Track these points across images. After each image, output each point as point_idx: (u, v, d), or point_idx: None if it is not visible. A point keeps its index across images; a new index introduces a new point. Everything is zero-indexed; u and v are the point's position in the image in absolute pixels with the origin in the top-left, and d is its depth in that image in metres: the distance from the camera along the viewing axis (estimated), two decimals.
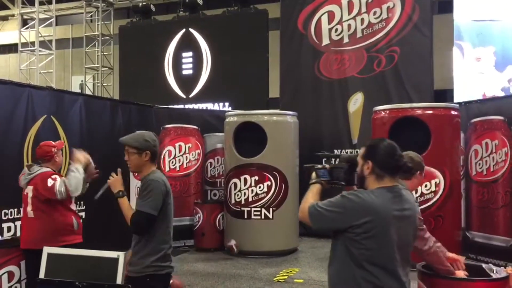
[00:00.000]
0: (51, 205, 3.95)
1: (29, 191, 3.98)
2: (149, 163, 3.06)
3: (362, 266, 2.24)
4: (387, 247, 2.23)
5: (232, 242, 7.29)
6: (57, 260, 2.25)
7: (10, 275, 4.04)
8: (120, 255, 2.19)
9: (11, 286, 4.03)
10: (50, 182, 3.91)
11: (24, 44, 14.65)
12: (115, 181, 3.19)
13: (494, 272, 2.97)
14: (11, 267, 4.04)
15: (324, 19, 9.25)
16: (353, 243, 2.25)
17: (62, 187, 3.87)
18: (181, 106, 10.70)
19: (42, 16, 14.31)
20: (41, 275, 2.21)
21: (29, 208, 3.96)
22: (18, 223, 5.30)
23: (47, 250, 2.28)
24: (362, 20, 8.95)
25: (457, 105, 6.98)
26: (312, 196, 2.51)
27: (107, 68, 16.12)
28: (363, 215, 2.23)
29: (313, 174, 2.59)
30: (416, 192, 6.26)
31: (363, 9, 8.95)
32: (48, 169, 4.07)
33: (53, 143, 4.26)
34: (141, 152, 3.02)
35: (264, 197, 7.37)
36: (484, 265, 3.11)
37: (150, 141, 3.06)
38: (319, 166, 2.64)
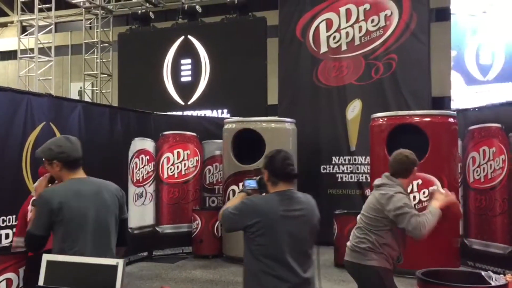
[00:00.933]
0: None
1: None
2: (65, 172, 2.79)
3: (259, 260, 2.61)
4: (276, 242, 2.58)
5: None
6: (56, 268, 2.25)
7: (9, 282, 4.02)
8: (119, 263, 2.19)
9: None
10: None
11: (23, 51, 14.67)
12: (38, 186, 3.08)
13: (493, 279, 2.98)
14: (10, 274, 4.02)
15: (322, 26, 9.30)
16: (250, 240, 2.63)
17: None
18: (180, 113, 10.71)
19: (41, 23, 14.34)
20: (40, 282, 2.21)
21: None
22: None
23: (46, 257, 2.28)
24: (360, 27, 9.00)
25: (455, 112, 7.02)
26: (231, 202, 2.85)
27: (106, 75, 16.15)
28: (254, 216, 2.60)
29: (244, 183, 2.98)
30: (414, 199, 6.28)
31: (361, 17, 9.00)
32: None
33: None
34: (50, 162, 2.82)
35: None
36: (483, 273, 3.12)
37: (54, 149, 2.80)
38: (252, 177, 3.08)
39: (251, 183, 2.91)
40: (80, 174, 2.83)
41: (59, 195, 2.67)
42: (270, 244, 2.58)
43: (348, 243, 3.55)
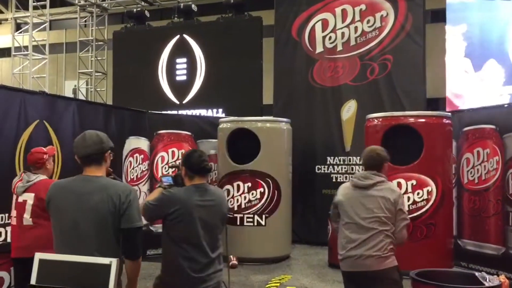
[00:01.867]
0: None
1: (27, 198, 3.86)
2: (83, 167, 2.80)
3: (178, 245, 3.00)
4: (192, 227, 2.98)
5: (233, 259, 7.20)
6: (49, 266, 2.23)
7: (0, 281, 4.00)
8: (113, 261, 2.17)
9: None
10: None
11: (17, 49, 14.58)
12: None
13: (487, 280, 2.99)
14: (1, 273, 4.01)
15: (318, 27, 9.30)
16: (171, 227, 3.02)
17: None
18: (175, 112, 10.68)
19: (35, 20, 14.26)
20: (33, 281, 2.19)
21: (26, 216, 3.84)
22: (9, 229, 5.26)
23: (38, 256, 2.26)
24: (356, 28, 9.01)
25: (449, 113, 7.04)
26: (150, 197, 3.23)
27: (100, 73, 16.09)
28: (173, 205, 3.01)
29: (161, 179, 3.42)
30: (409, 200, 6.29)
31: (357, 18, 9.01)
32: (45, 177, 3.99)
33: (44, 149, 4.17)
34: None
35: (257, 204, 7.37)
36: (477, 274, 3.13)
37: (74, 143, 2.80)
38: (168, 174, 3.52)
39: (168, 180, 3.35)
40: (92, 171, 2.68)
41: (51, 189, 2.73)
42: (187, 229, 2.99)
43: (367, 252, 3.30)
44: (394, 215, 3.30)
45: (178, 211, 2.98)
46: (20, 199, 3.91)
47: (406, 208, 3.34)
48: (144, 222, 2.97)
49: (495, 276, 3.21)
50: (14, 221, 3.95)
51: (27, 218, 3.85)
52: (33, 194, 3.85)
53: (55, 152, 4.27)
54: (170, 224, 3.01)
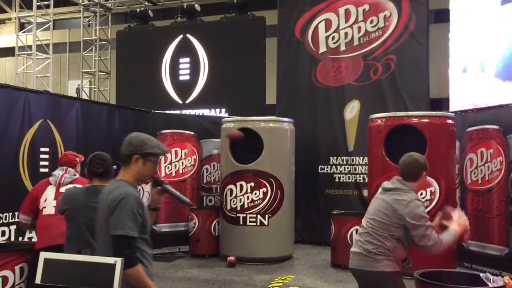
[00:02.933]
0: None
1: None
2: None
3: (68, 241, 3.44)
4: (78, 224, 3.37)
5: (231, 258, 7.21)
6: (54, 266, 2.24)
7: (4, 280, 4.01)
8: (118, 261, 2.18)
9: None
10: None
11: (21, 48, 14.62)
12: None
13: (491, 281, 2.98)
14: (5, 272, 4.01)
15: (321, 27, 9.30)
16: (67, 225, 3.45)
17: None
18: (178, 112, 10.70)
19: (39, 20, 14.29)
20: (37, 280, 2.20)
21: None
22: (13, 227, 5.29)
23: (43, 255, 2.27)
24: (359, 28, 9.00)
25: (453, 114, 7.02)
26: None
27: (104, 73, 16.11)
28: (64, 204, 3.53)
29: None
30: None
31: (360, 18, 9.00)
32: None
33: (77, 154, 4.58)
34: None
35: (259, 204, 7.37)
36: (481, 274, 3.12)
37: None
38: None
39: None
40: (120, 176, 2.69)
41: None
42: (75, 228, 3.38)
43: (354, 249, 3.35)
44: (396, 222, 3.20)
45: (68, 210, 3.43)
46: (63, 189, 4.07)
47: (420, 214, 3.16)
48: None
49: (499, 277, 3.20)
50: (49, 211, 4.03)
51: None
52: (80, 186, 4.10)
53: (83, 159, 4.47)
54: (66, 222, 3.42)
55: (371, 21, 8.92)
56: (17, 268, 4.06)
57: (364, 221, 3.39)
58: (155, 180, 2.90)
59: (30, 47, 14.18)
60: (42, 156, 5.73)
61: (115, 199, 2.50)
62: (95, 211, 2.90)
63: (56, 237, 3.89)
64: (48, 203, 4.09)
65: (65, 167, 4.33)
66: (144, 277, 2.49)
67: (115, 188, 2.60)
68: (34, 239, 5.23)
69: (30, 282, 3.96)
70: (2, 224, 5.21)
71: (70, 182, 4.21)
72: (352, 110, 9.01)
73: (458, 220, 3.31)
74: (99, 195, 2.88)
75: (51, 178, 4.24)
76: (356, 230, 5.85)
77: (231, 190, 7.47)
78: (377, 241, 3.22)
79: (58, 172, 4.30)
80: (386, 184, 3.40)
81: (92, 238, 3.08)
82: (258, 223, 7.34)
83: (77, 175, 4.36)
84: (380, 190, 3.45)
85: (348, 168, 8.87)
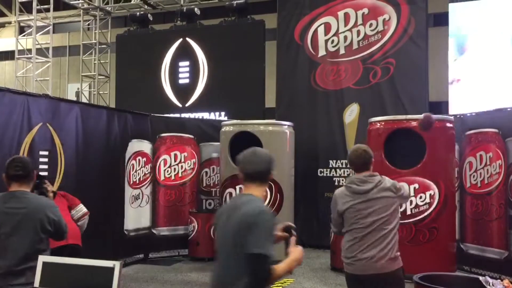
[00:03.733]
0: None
1: None
2: None
3: None
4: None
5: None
6: (53, 269, 2.23)
7: None
8: (116, 264, 2.18)
9: None
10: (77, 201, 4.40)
11: (21, 52, 14.64)
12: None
13: (491, 284, 2.98)
14: None
15: (321, 30, 9.32)
16: None
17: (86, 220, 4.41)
18: (177, 115, 10.71)
19: (39, 23, 14.32)
20: (36, 283, 2.20)
21: None
22: None
23: (42, 259, 2.27)
24: (358, 32, 9.01)
25: (452, 117, 7.03)
26: None
27: (103, 76, 16.12)
28: None
29: None
30: (411, 204, 6.28)
31: (359, 21, 9.02)
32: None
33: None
34: None
35: None
36: (480, 278, 3.11)
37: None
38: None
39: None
40: (250, 189, 2.53)
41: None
42: None
43: (378, 254, 3.27)
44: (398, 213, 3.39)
45: None
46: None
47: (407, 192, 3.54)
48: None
49: (499, 280, 3.20)
50: None
51: None
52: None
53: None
54: None
55: (370, 25, 8.94)
56: None
57: (371, 225, 3.33)
58: (286, 228, 2.67)
59: (29, 50, 14.20)
60: (41, 159, 5.72)
61: (251, 214, 2.33)
62: (12, 218, 2.95)
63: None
64: None
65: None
66: (283, 270, 2.49)
67: (248, 201, 2.44)
68: None
69: None
70: None
71: None
72: (351, 113, 9.02)
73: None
74: (14, 201, 2.97)
75: None
76: None
77: (231, 194, 7.46)
78: (394, 238, 3.32)
79: None
80: (359, 186, 3.40)
81: (11, 246, 2.94)
82: None
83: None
84: (351, 195, 3.40)
85: (347, 171, 8.86)
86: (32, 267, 2.80)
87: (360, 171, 3.44)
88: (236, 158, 2.61)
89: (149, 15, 12.42)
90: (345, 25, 9.12)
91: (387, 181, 3.41)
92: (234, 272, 2.32)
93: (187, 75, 11.42)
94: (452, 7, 13.57)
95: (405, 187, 3.47)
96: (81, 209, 4.39)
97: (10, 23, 23.02)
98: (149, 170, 7.83)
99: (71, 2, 15.77)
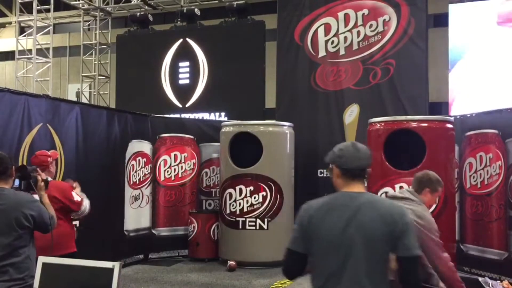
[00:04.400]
0: (62, 213, 3.95)
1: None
2: (340, 181, 2.43)
3: None
4: None
5: (231, 263, 7.19)
6: (52, 270, 2.24)
7: None
8: (116, 265, 2.18)
9: None
10: (75, 196, 4.09)
11: (21, 52, 14.64)
12: None
13: (490, 285, 2.98)
14: None
15: (321, 31, 9.32)
16: None
17: (88, 205, 4.16)
18: (177, 116, 10.71)
19: (39, 24, 14.33)
20: (36, 285, 2.20)
21: None
22: None
23: (42, 260, 2.27)
24: (358, 32, 9.02)
25: (452, 118, 7.03)
26: None
27: (103, 77, 16.13)
28: None
29: None
30: None
31: (359, 22, 9.02)
32: (50, 179, 4.05)
33: (48, 152, 4.29)
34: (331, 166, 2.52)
35: (259, 208, 7.37)
36: (480, 279, 3.12)
37: (335, 151, 2.44)
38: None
39: (16, 182, 3.41)
40: (356, 187, 2.32)
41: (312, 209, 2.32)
42: None
43: None
44: None
45: None
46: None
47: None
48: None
49: (498, 281, 3.20)
50: None
51: None
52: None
53: (58, 156, 4.32)
54: None
55: (370, 26, 8.94)
56: None
57: None
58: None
59: (30, 51, 14.21)
60: None
61: (401, 214, 2.19)
62: None
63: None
64: None
65: None
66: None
67: (379, 200, 2.38)
68: None
69: None
70: None
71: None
72: (351, 114, 9.02)
73: None
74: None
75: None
76: None
77: (231, 194, 7.47)
78: None
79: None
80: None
81: None
82: (258, 227, 7.34)
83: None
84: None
85: None
86: (14, 263, 2.86)
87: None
88: (332, 151, 2.39)
89: (149, 15, 12.43)
90: (345, 25, 9.12)
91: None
92: (379, 279, 2.14)
93: (187, 75, 11.44)
94: (452, 8, 13.57)
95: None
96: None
97: (10, 23, 23.03)
98: (149, 171, 7.84)
99: (72, 3, 15.78)
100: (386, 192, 5.07)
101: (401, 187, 6.22)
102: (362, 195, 2.25)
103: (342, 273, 2.14)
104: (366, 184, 2.35)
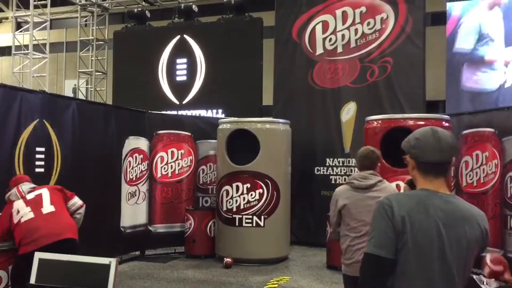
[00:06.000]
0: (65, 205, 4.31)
1: (40, 192, 4.24)
2: (418, 175, 2.03)
3: None
4: None
5: (228, 260, 7.20)
6: (49, 266, 2.23)
7: None
8: (112, 261, 2.18)
9: None
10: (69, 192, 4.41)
11: (18, 47, 14.59)
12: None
13: (484, 283, 2.98)
14: None
15: (319, 28, 9.32)
16: None
17: (80, 202, 4.42)
18: (175, 112, 10.70)
19: (36, 19, 14.27)
20: (32, 280, 2.20)
21: (47, 204, 4.14)
22: None
23: (38, 255, 2.27)
24: (356, 30, 9.02)
25: (448, 116, 7.05)
26: None
27: (100, 73, 16.09)
28: None
29: None
30: None
31: (357, 20, 9.02)
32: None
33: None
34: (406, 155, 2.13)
35: (255, 205, 7.37)
36: (474, 276, 3.12)
37: (411, 139, 2.05)
38: None
39: None
40: (439, 186, 1.98)
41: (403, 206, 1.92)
42: None
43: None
44: None
45: None
46: (31, 196, 4.21)
47: None
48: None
49: (493, 279, 3.21)
50: (28, 216, 4.06)
51: (47, 206, 4.14)
52: (45, 188, 4.33)
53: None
54: None
55: (368, 23, 8.95)
56: (10, 269, 4.05)
57: (362, 228, 3.36)
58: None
59: (26, 46, 14.16)
60: (38, 156, 5.71)
61: (483, 219, 2.02)
62: None
63: (41, 238, 3.90)
64: (23, 212, 4.09)
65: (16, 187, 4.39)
66: None
67: (466, 204, 2.07)
68: None
69: (14, 285, 3.96)
70: None
71: (31, 190, 4.30)
72: (348, 112, 9.03)
73: None
74: None
75: (11, 198, 4.29)
76: None
77: (227, 191, 7.47)
78: None
79: (12, 190, 4.35)
80: (360, 181, 3.47)
81: None
82: (254, 224, 7.35)
83: (34, 185, 4.42)
84: (352, 190, 3.47)
85: (344, 169, 8.88)
86: None
87: (364, 170, 3.53)
88: (407, 139, 2.05)
89: (146, 11, 12.39)
90: (343, 23, 9.12)
91: (389, 187, 3.48)
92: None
93: (185, 72, 11.41)
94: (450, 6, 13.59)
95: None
96: (76, 201, 4.38)
97: (7, 18, 22.92)
98: (145, 167, 7.83)
99: None
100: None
101: (397, 186, 6.23)
102: (452, 197, 2.02)
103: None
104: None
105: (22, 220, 4.03)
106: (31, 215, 4.05)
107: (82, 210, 4.39)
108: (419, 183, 2.01)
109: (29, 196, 4.20)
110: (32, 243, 3.83)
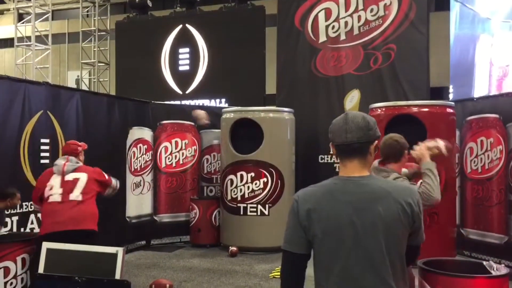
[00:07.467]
0: (96, 194, 4.40)
1: (79, 176, 4.30)
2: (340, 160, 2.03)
3: None
4: None
5: (233, 248, 7.24)
6: (57, 255, 2.26)
7: (6, 270, 4.04)
8: (119, 251, 2.20)
9: (7, 281, 4.03)
10: (106, 176, 4.51)
11: (20, 39, 14.59)
12: None
13: (494, 269, 2.99)
14: (7, 262, 4.04)
15: (321, 16, 9.25)
16: None
17: (116, 182, 4.57)
18: (178, 102, 10.70)
19: (38, 10, 14.24)
20: (40, 270, 2.22)
21: (76, 192, 4.22)
22: (15, 218, 5.31)
23: (46, 245, 2.29)
24: (359, 17, 8.95)
25: (453, 103, 7.02)
26: None
27: (103, 64, 16.08)
28: None
29: None
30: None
31: (360, 6, 8.95)
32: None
33: (79, 143, 4.64)
34: None
35: (260, 194, 7.39)
36: (484, 263, 3.13)
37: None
38: None
39: None
40: (353, 169, 1.95)
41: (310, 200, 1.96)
42: None
43: None
44: None
45: None
46: (70, 177, 4.28)
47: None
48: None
49: (502, 265, 3.22)
50: (56, 198, 4.21)
51: (76, 194, 4.22)
52: (85, 174, 4.33)
53: (86, 147, 4.70)
54: None
55: (371, 10, 8.88)
56: (18, 259, 4.09)
57: None
58: None
59: (29, 38, 14.16)
60: (42, 147, 5.74)
61: (414, 200, 1.89)
62: None
63: (61, 222, 4.07)
64: (54, 191, 4.23)
65: (67, 156, 4.45)
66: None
67: (386, 183, 1.99)
68: (36, 230, 5.26)
69: (33, 271, 4.01)
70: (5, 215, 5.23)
71: (73, 170, 4.33)
72: (352, 99, 8.99)
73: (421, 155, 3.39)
74: None
75: (54, 168, 4.37)
76: None
77: (232, 180, 7.49)
78: None
79: (60, 161, 4.42)
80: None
81: None
82: (259, 213, 7.37)
83: (80, 163, 4.44)
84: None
85: None
86: None
87: (386, 162, 3.40)
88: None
89: (148, 1, 12.31)
90: (346, 10, 9.05)
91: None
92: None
93: (187, 62, 11.38)
94: None
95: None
96: (110, 189, 4.58)
97: (9, 10, 22.86)
98: (150, 158, 7.85)
99: None
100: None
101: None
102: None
103: None
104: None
105: (50, 199, 4.21)
106: (58, 198, 4.20)
107: (116, 187, 4.62)
108: (340, 169, 2.01)
109: (68, 177, 4.28)
110: (50, 226, 4.07)
